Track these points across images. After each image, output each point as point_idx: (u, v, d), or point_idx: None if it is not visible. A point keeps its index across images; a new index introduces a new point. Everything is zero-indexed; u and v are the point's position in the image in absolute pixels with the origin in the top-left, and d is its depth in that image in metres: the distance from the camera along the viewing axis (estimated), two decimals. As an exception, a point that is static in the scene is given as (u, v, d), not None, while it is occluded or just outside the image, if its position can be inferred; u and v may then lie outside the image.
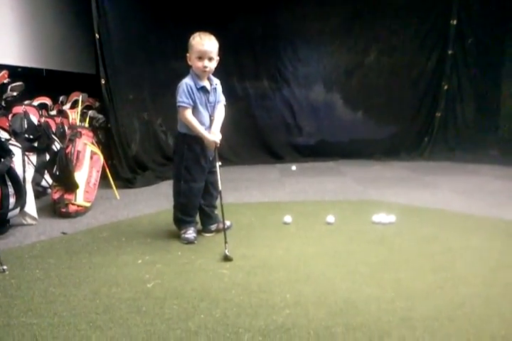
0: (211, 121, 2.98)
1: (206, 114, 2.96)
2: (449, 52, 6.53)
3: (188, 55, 2.90)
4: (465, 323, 1.89)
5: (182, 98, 2.86)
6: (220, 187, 3.02)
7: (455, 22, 6.44)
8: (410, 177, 5.32)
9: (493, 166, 5.79)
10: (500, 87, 6.52)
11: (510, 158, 5.90)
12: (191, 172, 2.97)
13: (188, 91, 2.86)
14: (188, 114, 2.87)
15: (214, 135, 2.93)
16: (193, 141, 2.93)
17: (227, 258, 2.64)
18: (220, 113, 3.03)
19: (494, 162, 5.93)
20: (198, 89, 2.90)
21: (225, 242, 2.75)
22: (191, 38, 2.89)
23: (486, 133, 6.50)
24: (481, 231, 3.17)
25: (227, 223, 3.17)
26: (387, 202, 4.00)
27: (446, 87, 6.60)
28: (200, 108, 2.92)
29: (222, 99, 3.05)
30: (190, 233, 3.02)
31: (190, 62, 2.92)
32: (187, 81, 2.89)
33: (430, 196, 4.28)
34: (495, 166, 5.78)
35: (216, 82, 3.01)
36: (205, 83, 2.94)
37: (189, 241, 2.97)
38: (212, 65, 2.89)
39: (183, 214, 3.06)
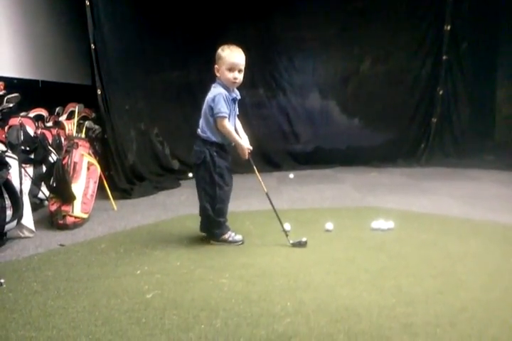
0: (236, 130, 3.10)
1: (232, 124, 3.06)
2: (444, 57, 6.56)
3: (216, 66, 2.99)
4: (466, 328, 1.88)
5: (224, 108, 2.93)
6: (265, 189, 3.17)
7: (449, 28, 6.48)
8: (408, 183, 5.32)
9: (489, 171, 5.79)
10: (495, 92, 6.56)
11: (506, 163, 5.91)
12: (224, 177, 3.06)
13: (226, 101, 2.94)
14: (227, 123, 2.97)
15: (247, 143, 3.11)
16: (222, 148, 3.05)
17: (300, 245, 3.00)
18: (239, 123, 3.18)
19: (490, 167, 5.94)
20: (231, 100, 2.99)
21: (286, 235, 3.08)
22: (220, 50, 2.98)
23: (481, 138, 6.52)
24: (479, 236, 3.17)
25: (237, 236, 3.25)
26: (385, 209, 4.00)
27: (441, 93, 6.63)
28: (231, 118, 3.02)
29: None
30: (234, 235, 3.13)
31: (218, 74, 2.99)
32: (223, 91, 2.95)
33: (428, 202, 4.28)
34: (491, 171, 5.79)
35: (238, 93, 3.12)
36: (234, 94, 3.05)
37: (242, 242, 3.11)
38: (241, 77, 3.00)
39: (220, 217, 3.11)
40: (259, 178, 3.18)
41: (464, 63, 6.57)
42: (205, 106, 3.04)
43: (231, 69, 2.94)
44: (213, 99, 2.94)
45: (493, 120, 6.61)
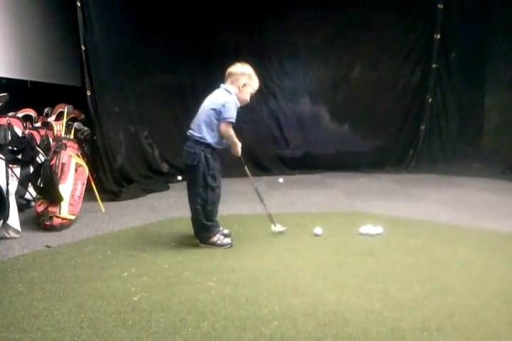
0: None
1: None
2: (433, 65, 6.62)
3: (241, 82, 3.09)
4: (453, 333, 1.89)
5: (235, 115, 3.02)
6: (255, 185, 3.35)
7: (439, 36, 6.55)
8: (396, 189, 5.35)
9: (476, 178, 5.84)
10: (483, 100, 6.61)
11: (493, 171, 5.96)
12: (217, 180, 3.10)
13: (237, 109, 3.05)
14: (231, 129, 3.04)
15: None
16: (216, 151, 3.10)
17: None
18: None
19: (477, 174, 5.99)
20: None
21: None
22: (250, 71, 3.13)
23: (469, 145, 6.57)
24: (466, 242, 3.19)
25: (226, 231, 3.31)
26: (373, 214, 4.01)
27: (430, 100, 6.68)
28: None
29: None
30: (223, 238, 3.14)
31: (237, 88, 3.08)
32: (236, 100, 3.06)
33: (416, 208, 4.30)
34: (478, 178, 5.83)
35: None
36: None
37: (230, 245, 3.13)
38: None
39: (209, 221, 3.11)
40: (249, 173, 3.31)
41: (453, 72, 6.63)
42: (208, 108, 3.04)
43: (252, 93, 3.13)
44: (224, 104, 2.99)
45: (481, 128, 6.67)
